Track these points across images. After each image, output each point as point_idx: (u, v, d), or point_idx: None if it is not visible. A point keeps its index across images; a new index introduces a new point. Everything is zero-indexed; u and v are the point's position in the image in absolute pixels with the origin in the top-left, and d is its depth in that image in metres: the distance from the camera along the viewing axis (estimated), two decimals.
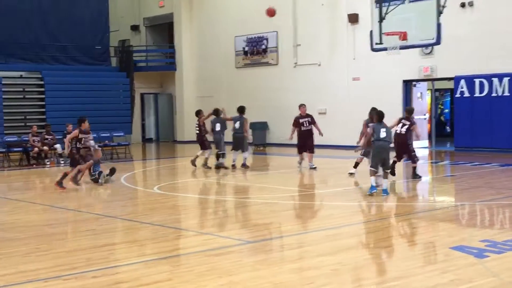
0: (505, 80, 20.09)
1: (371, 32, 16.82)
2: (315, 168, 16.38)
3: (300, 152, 16.77)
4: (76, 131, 14.36)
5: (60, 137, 20.89)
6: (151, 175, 18.04)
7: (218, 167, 16.90)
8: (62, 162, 20.21)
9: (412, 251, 7.58)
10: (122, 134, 24.28)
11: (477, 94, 20.76)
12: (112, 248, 8.16)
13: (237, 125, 17.20)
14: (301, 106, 17.05)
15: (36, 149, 20.18)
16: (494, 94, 20.40)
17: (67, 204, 11.66)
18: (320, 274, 6.52)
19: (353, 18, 23.72)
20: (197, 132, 18.00)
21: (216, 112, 17.65)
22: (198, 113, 18.30)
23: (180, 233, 9.12)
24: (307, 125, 16.77)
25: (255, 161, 19.81)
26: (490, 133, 20.47)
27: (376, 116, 12.60)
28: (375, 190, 11.88)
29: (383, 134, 12.09)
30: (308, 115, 16.92)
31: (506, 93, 20.11)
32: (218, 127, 17.29)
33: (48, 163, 20.13)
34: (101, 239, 8.59)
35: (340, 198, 12.05)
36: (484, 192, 12.39)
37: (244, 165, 17.05)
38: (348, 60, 24.22)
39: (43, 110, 25.96)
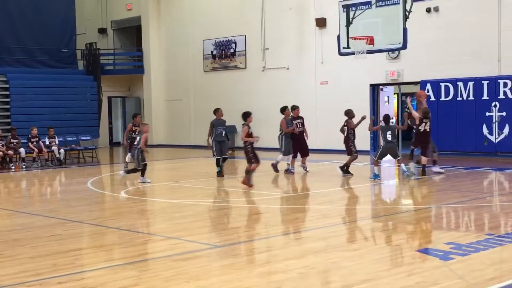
0: (470, 84, 20.39)
1: (338, 36, 16.96)
2: (307, 171, 16.40)
3: (295, 154, 16.70)
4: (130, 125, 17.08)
5: (24, 141, 20.62)
6: (118, 179, 17.88)
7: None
8: (25, 166, 19.91)
9: (378, 254, 7.63)
10: (89, 138, 24.06)
11: (443, 98, 21.03)
12: (78, 253, 8.06)
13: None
14: (295, 108, 16.90)
15: (0, 153, 19.86)
16: (459, 98, 20.68)
17: (32, 209, 11.49)
18: (287, 278, 6.52)
19: (321, 22, 23.87)
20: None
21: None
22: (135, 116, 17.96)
23: (147, 238, 9.05)
24: (300, 126, 16.75)
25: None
26: (455, 137, 20.75)
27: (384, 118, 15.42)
28: (378, 178, 14.69)
29: (389, 137, 14.75)
30: (300, 117, 16.88)
31: (471, 97, 20.40)
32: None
33: (13, 167, 19.83)
34: (67, 244, 8.48)
35: (311, 202, 12.08)
36: (450, 195, 12.55)
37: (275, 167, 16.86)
38: (316, 64, 24.37)
39: (8, 113, 25.60)
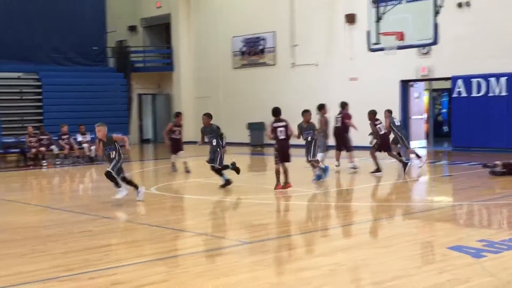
0: (502, 80, 20.11)
1: (368, 32, 16.83)
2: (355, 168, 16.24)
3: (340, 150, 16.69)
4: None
5: (55, 138, 20.88)
6: (149, 176, 18.01)
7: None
8: (58, 163, 20.18)
9: (409, 251, 7.57)
10: (119, 135, 24.21)
11: (474, 94, 20.77)
12: (109, 249, 8.14)
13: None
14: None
15: (33, 150, 20.14)
16: (491, 94, 20.41)
17: (64, 205, 11.62)
18: (317, 275, 6.50)
19: (351, 19, 23.72)
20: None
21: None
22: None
23: (177, 234, 9.09)
24: (339, 123, 16.70)
25: (253, 162, 19.79)
26: (487, 133, 20.48)
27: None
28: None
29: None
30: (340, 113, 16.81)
31: (503, 93, 20.12)
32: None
33: (45, 164, 20.09)
34: (98, 240, 8.57)
35: (338, 199, 12.04)
36: (482, 192, 12.39)
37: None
38: (345, 60, 24.23)
39: (40, 111, 25.95)
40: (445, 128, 27.75)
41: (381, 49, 16.66)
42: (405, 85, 23.24)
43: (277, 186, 12.80)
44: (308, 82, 25.39)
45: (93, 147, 21.19)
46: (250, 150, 24.80)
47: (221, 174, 13.40)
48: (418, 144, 22.98)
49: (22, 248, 8.02)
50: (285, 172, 12.81)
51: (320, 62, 25.13)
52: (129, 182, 11.85)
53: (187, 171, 16.47)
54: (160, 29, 32.63)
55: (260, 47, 27.41)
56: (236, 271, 6.72)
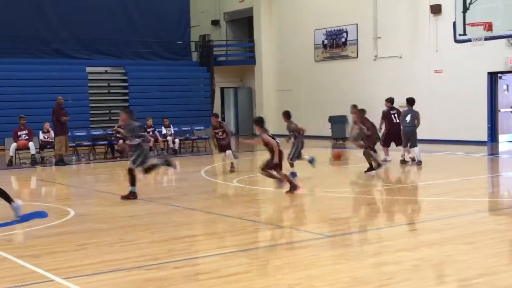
0: None
1: (454, 23, 16.38)
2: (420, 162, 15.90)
3: (387, 145, 16.44)
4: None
5: None
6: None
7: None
8: None
9: (496, 248, 7.35)
10: (202, 128, 24.62)
11: None
12: (193, 239, 8.30)
13: (408, 118, 16.20)
14: (389, 100, 16.68)
15: (120, 142, 20.74)
16: None
17: (150, 196, 11.93)
18: (400, 270, 6.42)
19: (436, 9, 23.15)
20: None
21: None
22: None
23: (259, 226, 9.17)
24: (396, 118, 16.50)
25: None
26: None
27: None
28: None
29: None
30: (395, 108, 16.63)
31: None
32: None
33: None
34: (182, 230, 8.76)
35: (421, 193, 11.82)
36: None
37: (419, 162, 15.90)
38: (430, 52, 23.69)
39: (127, 104, 26.67)
40: None
41: (468, 40, 16.19)
42: (493, 77, 22.48)
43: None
44: (391, 75, 24.99)
45: (176, 140, 21.69)
46: (331, 144, 24.67)
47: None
48: (507, 138, 22.25)
49: (110, 237, 8.30)
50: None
51: (404, 54, 24.68)
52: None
53: (232, 171, 15.78)
54: (243, 23, 32.89)
55: (342, 40, 27.18)
56: (317, 264, 6.72)
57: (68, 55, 27.13)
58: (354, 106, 15.17)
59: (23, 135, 18.88)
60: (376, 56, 25.74)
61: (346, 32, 26.94)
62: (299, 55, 29.05)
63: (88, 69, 26.75)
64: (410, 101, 16.43)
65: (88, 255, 7.31)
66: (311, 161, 14.30)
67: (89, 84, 26.41)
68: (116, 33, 27.85)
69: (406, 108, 16.46)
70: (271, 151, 11.45)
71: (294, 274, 6.36)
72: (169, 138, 21.67)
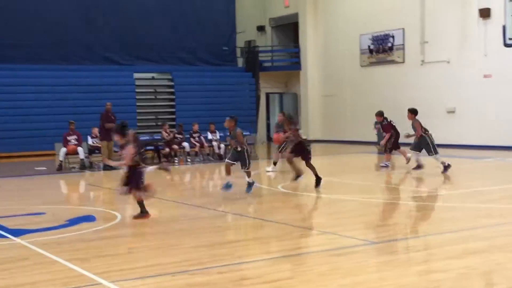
0: None
1: (504, 26, 16.12)
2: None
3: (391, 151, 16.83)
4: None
5: (187, 136, 21.69)
6: (276, 174, 18.20)
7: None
8: (189, 160, 20.89)
9: None
10: (248, 133, 24.67)
11: None
12: (236, 245, 8.32)
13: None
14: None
15: (167, 148, 20.98)
16: None
17: (194, 201, 12.01)
18: (447, 278, 6.31)
19: (485, 13, 22.75)
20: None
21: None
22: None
23: (303, 232, 9.14)
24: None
25: (380, 161, 19.49)
26: None
27: None
28: None
29: None
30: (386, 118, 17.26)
31: None
32: None
33: (177, 161, 20.86)
34: (227, 235, 8.79)
35: (468, 200, 11.61)
36: None
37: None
38: (479, 57, 23.28)
39: (173, 110, 26.99)
40: None
41: None
42: None
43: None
44: (438, 80, 24.65)
45: (222, 145, 21.82)
46: (377, 149, 24.43)
47: None
48: None
49: (156, 241, 8.38)
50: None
51: (452, 59, 24.31)
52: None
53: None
54: (288, 29, 32.90)
55: (389, 45, 26.94)
56: (362, 271, 6.66)
57: (116, 62, 27.59)
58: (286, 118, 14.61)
59: (72, 140, 19.24)
60: (423, 61, 25.42)
61: (393, 36, 26.69)
62: (344, 60, 28.91)
63: (136, 75, 27.17)
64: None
65: (134, 259, 7.40)
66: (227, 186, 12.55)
67: (136, 90, 26.82)
68: (163, 39, 28.21)
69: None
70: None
71: (338, 280, 6.31)
72: (214, 143, 21.81)
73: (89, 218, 10.35)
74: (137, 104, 26.59)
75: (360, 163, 16.61)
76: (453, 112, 23.96)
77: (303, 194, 13.20)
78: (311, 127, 30.04)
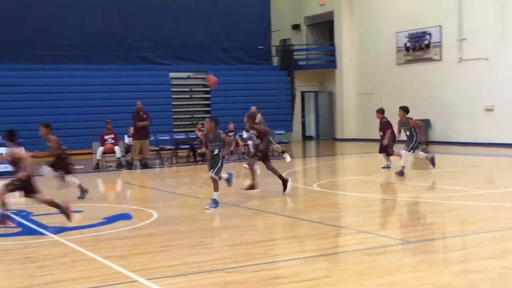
0: None
1: None
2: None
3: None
4: None
5: None
6: (311, 173, 18.17)
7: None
8: (225, 158, 20.93)
9: None
10: (283, 132, 24.69)
11: None
12: (272, 243, 8.33)
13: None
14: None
15: (203, 148, 21.07)
16: None
17: (229, 200, 12.05)
18: (485, 278, 6.22)
19: None
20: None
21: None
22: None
23: (339, 231, 9.11)
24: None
25: (417, 160, 19.30)
26: None
27: None
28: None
29: None
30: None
31: None
32: None
33: None
34: (262, 234, 8.80)
35: (508, 199, 11.42)
36: None
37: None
38: None
39: (208, 109, 27.11)
40: None
41: None
42: None
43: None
44: (476, 77, 24.30)
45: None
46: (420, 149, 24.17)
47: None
48: None
49: (192, 240, 8.43)
50: None
51: (491, 56, 23.94)
52: None
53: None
54: (323, 27, 32.79)
55: (426, 42, 26.65)
56: (399, 271, 6.61)
57: (152, 61, 27.85)
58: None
59: (109, 139, 19.47)
60: (460, 58, 25.09)
61: (430, 34, 26.39)
62: (380, 58, 28.69)
63: (171, 74, 27.37)
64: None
65: (171, 257, 7.46)
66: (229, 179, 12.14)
67: (172, 89, 27.02)
68: (198, 39, 28.39)
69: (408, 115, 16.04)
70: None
71: (374, 280, 6.27)
72: (249, 142, 21.81)
73: (125, 216, 10.47)
74: (173, 103, 26.79)
75: (395, 162, 16.45)
76: (491, 110, 23.58)
77: (338, 193, 13.15)
78: (346, 125, 29.91)
